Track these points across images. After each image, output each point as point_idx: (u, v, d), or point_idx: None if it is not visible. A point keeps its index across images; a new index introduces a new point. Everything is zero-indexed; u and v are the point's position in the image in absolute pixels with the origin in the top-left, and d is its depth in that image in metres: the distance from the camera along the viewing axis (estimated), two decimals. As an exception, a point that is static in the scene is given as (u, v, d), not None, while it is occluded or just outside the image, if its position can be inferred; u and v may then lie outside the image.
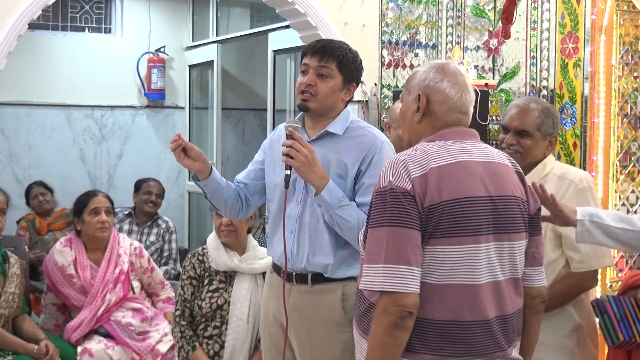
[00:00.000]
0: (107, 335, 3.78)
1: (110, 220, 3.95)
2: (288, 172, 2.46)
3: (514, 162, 2.09)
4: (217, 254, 3.36)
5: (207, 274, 3.38)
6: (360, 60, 2.64)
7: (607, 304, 2.63)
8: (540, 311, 2.11)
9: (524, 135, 2.69)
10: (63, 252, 3.88)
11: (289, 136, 2.48)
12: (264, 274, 3.34)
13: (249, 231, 3.47)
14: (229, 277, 3.37)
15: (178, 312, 3.40)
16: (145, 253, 4.10)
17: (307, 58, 2.57)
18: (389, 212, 1.85)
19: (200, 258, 3.41)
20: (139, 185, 5.33)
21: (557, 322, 2.64)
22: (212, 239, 3.42)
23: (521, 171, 2.07)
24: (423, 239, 1.86)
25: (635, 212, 3.83)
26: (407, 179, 1.86)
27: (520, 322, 2.03)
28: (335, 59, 2.53)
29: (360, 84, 2.70)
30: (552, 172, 2.70)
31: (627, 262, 3.79)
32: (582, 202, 2.59)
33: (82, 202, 3.95)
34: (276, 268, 2.67)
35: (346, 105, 2.64)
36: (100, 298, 3.79)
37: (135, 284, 4.00)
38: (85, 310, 3.78)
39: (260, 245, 3.55)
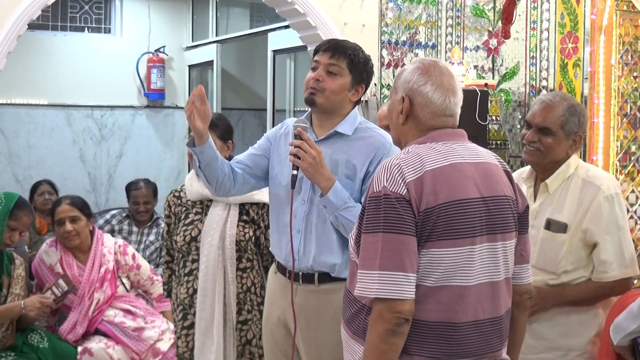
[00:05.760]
0: (107, 335, 3.80)
1: (79, 227, 3.91)
2: (295, 172, 2.45)
3: (502, 161, 2.09)
4: (190, 184, 3.26)
5: (184, 208, 3.29)
6: (372, 64, 2.63)
7: None
8: (527, 308, 2.13)
9: (546, 133, 2.58)
10: (49, 252, 3.91)
11: (297, 136, 2.45)
12: (238, 205, 3.22)
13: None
14: (205, 207, 3.26)
15: (164, 252, 3.39)
16: (130, 250, 4.08)
17: (318, 55, 2.56)
18: (383, 218, 1.84)
19: (177, 194, 3.33)
20: (128, 192, 5.26)
21: (585, 323, 2.59)
22: (190, 174, 3.32)
23: (509, 170, 2.07)
24: (419, 243, 1.85)
25: (636, 212, 3.83)
26: (402, 184, 1.85)
27: (509, 322, 2.03)
28: (346, 58, 2.53)
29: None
30: (575, 173, 2.61)
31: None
32: (612, 210, 2.53)
33: (51, 213, 4.02)
34: (281, 268, 2.64)
35: (354, 107, 2.62)
36: (88, 297, 3.80)
37: (125, 281, 4.01)
38: (74, 311, 3.79)
39: None
